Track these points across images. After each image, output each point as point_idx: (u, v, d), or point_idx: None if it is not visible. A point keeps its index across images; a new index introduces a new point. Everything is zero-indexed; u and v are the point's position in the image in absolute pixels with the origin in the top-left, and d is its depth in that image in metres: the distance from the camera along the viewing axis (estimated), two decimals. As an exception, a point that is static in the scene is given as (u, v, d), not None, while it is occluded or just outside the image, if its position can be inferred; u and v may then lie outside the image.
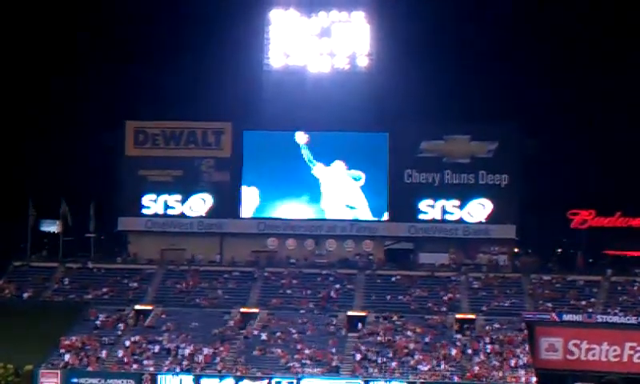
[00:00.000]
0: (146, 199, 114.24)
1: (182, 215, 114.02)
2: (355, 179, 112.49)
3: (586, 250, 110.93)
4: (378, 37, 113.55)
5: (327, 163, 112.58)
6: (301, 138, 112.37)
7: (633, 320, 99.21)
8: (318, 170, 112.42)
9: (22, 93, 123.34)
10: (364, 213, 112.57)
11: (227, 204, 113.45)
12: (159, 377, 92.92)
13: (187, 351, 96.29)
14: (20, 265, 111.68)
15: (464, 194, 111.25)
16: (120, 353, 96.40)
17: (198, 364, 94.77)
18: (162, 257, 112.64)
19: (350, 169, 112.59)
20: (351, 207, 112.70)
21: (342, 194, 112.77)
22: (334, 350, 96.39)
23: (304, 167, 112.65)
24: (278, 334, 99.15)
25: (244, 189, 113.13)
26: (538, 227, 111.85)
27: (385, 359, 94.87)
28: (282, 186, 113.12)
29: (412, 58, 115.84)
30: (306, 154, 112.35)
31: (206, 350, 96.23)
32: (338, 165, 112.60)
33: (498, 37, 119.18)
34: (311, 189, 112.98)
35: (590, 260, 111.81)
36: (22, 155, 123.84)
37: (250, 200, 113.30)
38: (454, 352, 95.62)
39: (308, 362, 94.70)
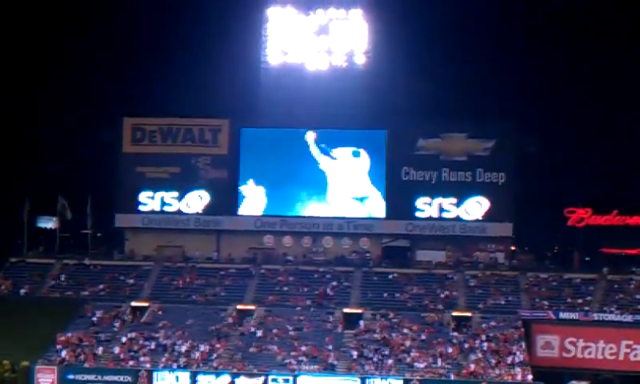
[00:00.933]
0: (143, 196, 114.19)
1: (179, 212, 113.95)
2: (355, 155, 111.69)
3: (583, 248, 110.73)
4: (375, 34, 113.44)
5: (330, 151, 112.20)
6: (310, 136, 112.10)
7: (629, 318, 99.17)
8: (324, 163, 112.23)
9: (19, 89, 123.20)
10: (376, 202, 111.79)
11: (224, 201, 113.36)
12: (155, 373, 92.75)
13: (184, 348, 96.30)
14: (16, 261, 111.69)
15: (461, 192, 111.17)
16: (116, 349, 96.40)
17: (194, 361, 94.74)
18: (159, 253, 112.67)
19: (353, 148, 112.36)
20: (360, 199, 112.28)
21: (349, 184, 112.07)
22: (330, 347, 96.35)
23: (303, 163, 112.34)
24: (275, 330, 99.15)
25: (247, 188, 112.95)
26: (535, 225, 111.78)
27: (381, 356, 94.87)
28: (286, 184, 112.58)
29: (409, 55, 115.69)
30: (314, 150, 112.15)
31: (202, 347, 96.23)
32: (342, 150, 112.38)
33: (495, 34, 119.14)
34: (315, 184, 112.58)
35: (587, 258, 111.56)
36: (19, 151, 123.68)
37: (255, 200, 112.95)
38: (450, 349, 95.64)
39: (304, 359, 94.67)
